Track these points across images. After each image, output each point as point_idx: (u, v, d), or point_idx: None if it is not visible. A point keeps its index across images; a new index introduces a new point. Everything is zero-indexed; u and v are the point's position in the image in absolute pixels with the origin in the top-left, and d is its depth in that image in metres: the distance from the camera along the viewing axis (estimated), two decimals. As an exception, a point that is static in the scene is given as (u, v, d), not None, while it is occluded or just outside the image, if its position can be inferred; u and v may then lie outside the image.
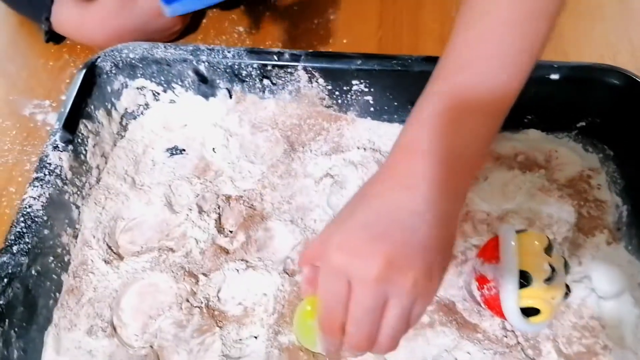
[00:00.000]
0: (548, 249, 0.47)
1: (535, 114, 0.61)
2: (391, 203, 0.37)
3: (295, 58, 0.61)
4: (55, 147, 0.56)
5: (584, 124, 0.61)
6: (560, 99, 0.59)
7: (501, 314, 0.48)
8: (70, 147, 0.57)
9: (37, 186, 0.53)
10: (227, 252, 0.57)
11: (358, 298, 0.37)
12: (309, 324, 0.42)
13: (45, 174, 0.54)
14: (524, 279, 0.45)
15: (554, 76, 0.57)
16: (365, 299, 0.37)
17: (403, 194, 0.37)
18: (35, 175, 0.54)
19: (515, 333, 0.50)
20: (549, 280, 0.45)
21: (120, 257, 0.57)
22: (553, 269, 0.45)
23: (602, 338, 0.49)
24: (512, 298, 0.45)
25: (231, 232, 0.59)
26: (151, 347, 0.52)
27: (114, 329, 0.53)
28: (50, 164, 0.55)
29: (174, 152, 0.65)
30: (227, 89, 0.65)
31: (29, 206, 0.52)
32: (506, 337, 0.50)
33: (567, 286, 0.47)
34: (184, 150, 0.65)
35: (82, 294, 0.54)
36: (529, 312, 0.46)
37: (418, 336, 0.50)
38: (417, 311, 0.38)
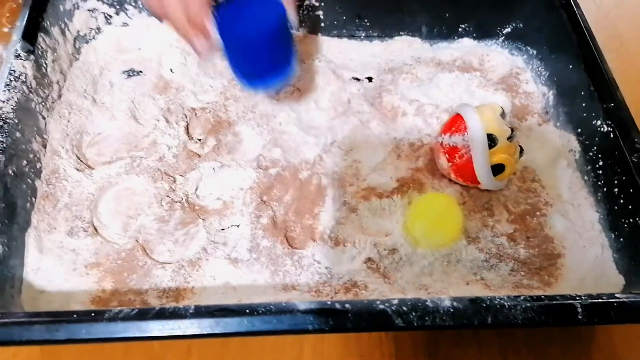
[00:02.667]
0: (502, 115, 0.53)
1: (468, 23, 0.69)
2: None
3: (250, -27, 0.64)
4: (18, 56, 0.55)
5: (509, 30, 0.69)
6: (488, 7, 0.67)
7: (470, 179, 0.54)
8: (32, 57, 0.56)
9: (5, 90, 0.53)
10: (199, 156, 0.59)
11: None
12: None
13: (11, 80, 0.54)
14: (491, 140, 0.52)
15: (483, -17, 0.65)
16: None
17: None
18: (0, 81, 0.53)
19: (472, 198, 0.57)
20: (510, 138, 0.52)
21: (91, 168, 0.57)
22: (512, 129, 0.52)
23: (543, 196, 0.57)
24: (483, 157, 0.51)
25: (200, 140, 0.61)
26: (136, 241, 0.53)
27: (95, 229, 0.53)
28: (14, 71, 0.54)
29: (131, 74, 0.66)
30: (182, 8, 0.66)
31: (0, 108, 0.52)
32: (464, 203, 0.57)
33: (520, 146, 0.54)
34: (140, 71, 0.66)
35: (58, 200, 0.54)
36: (495, 171, 0.53)
37: (391, 205, 0.55)
38: None
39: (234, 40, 0.48)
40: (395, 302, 0.42)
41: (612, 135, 0.54)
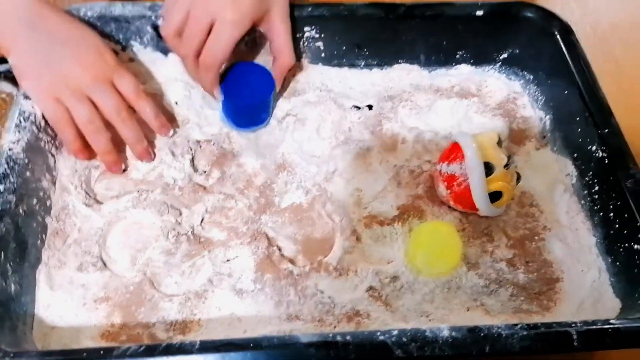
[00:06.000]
0: (499, 143, 0.55)
1: (465, 49, 0.70)
2: None
3: (250, 8, 0.66)
4: (27, 97, 0.57)
5: (505, 55, 0.70)
6: (484, 34, 0.69)
7: (469, 206, 0.56)
8: (42, 97, 0.58)
9: (15, 131, 0.55)
10: (204, 188, 0.61)
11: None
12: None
13: (21, 121, 0.56)
14: (488, 168, 0.53)
15: (479, 12, 0.66)
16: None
17: None
18: (11, 122, 0.56)
19: (471, 224, 0.58)
20: (507, 166, 0.53)
21: (99, 203, 0.59)
22: (509, 157, 0.54)
23: (541, 221, 0.58)
24: (481, 185, 0.53)
25: (205, 171, 0.62)
26: (144, 274, 0.54)
27: (104, 263, 0.55)
28: (24, 111, 0.57)
29: (137, 108, 0.67)
30: (185, 43, 0.68)
31: (10, 149, 0.54)
32: (464, 229, 0.58)
33: (518, 173, 0.55)
34: (146, 104, 0.68)
35: (68, 236, 0.56)
36: (493, 198, 0.54)
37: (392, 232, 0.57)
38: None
39: (231, 101, 0.62)
40: (395, 332, 0.43)
41: (607, 161, 0.55)
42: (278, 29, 0.62)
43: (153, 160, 0.61)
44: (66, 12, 0.62)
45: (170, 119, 0.66)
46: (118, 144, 0.60)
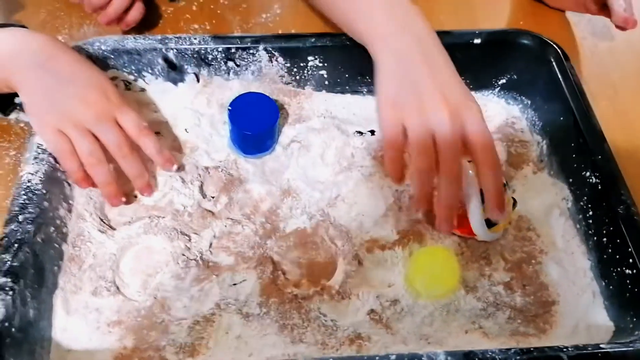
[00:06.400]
0: (495, 171, 0.57)
1: (464, 75, 0.72)
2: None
3: (256, 40, 0.69)
4: (43, 130, 0.60)
5: (504, 81, 0.72)
6: (483, 61, 0.71)
7: (467, 231, 0.58)
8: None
9: (33, 163, 0.58)
10: (212, 213, 0.63)
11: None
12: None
13: (39, 153, 0.59)
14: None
15: (477, 41, 0.69)
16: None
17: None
18: (29, 154, 0.59)
19: (470, 248, 0.60)
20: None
21: (113, 229, 0.62)
22: (504, 184, 0.56)
23: (538, 245, 0.60)
24: (478, 212, 0.55)
25: (213, 197, 0.65)
26: (155, 298, 0.57)
27: (117, 288, 0.58)
28: (42, 144, 0.60)
29: (149, 135, 0.70)
30: (194, 73, 0.71)
31: (28, 180, 0.57)
32: (462, 253, 0.60)
33: (514, 199, 0.57)
34: (158, 132, 0.70)
35: (83, 262, 0.58)
36: (489, 223, 0.56)
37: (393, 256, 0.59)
38: None
39: (238, 130, 0.66)
40: (393, 357, 0.45)
41: (600, 187, 0.56)
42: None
43: (152, 194, 0.63)
44: (75, 49, 0.64)
45: (180, 146, 0.69)
46: (124, 176, 0.62)
